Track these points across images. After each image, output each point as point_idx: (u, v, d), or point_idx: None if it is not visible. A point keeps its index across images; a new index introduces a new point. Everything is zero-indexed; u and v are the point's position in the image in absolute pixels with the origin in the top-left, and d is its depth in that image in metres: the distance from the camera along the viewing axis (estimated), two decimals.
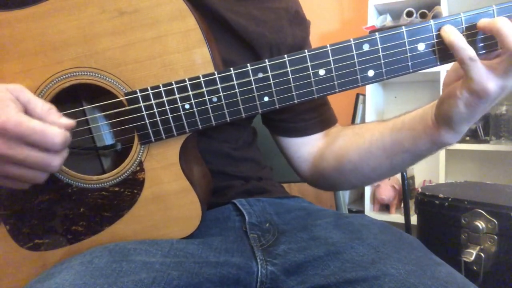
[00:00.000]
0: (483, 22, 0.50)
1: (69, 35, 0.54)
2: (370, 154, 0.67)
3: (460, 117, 0.54)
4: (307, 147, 0.77)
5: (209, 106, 0.54)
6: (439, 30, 0.51)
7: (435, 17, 1.71)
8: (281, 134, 0.78)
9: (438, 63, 0.53)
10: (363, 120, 2.02)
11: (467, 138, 1.92)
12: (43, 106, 0.50)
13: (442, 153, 1.88)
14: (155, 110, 0.54)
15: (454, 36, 0.49)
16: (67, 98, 0.58)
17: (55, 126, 0.49)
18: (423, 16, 1.85)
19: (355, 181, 0.74)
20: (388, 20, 2.01)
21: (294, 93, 0.53)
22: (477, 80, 0.49)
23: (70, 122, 0.51)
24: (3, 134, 0.46)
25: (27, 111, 0.49)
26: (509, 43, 0.47)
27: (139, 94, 0.54)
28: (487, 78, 0.49)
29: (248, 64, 0.53)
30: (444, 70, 1.83)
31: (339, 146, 0.72)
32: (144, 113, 0.55)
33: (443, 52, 0.52)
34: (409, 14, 1.87)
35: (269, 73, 0.53)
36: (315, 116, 0.76)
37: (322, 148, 0.75)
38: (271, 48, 0.72)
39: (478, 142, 1.89)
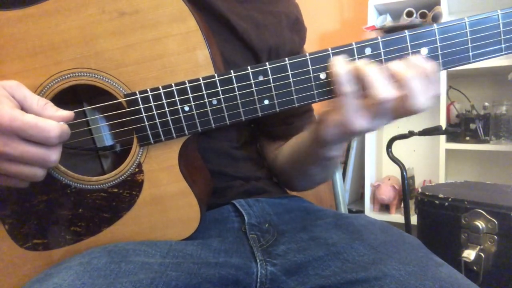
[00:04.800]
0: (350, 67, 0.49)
1: (68, 36, 0.54)
2: (290, 157, 0.73)
3: (326, 140, 0.56)
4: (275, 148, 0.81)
5: (208, 108, 0.54)
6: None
7: (435, 17, 1.71)
8: (262, 136, 0.82)
9: (442, 68, 0.52)
10: None
11: (467, 138, 1.92)
12: (39, 102, 0.50)
13: (442, 153, 1.88)
14: (155, 112, 0.54)
15: (339, 69, 0.49)
16: (68, 99, 0.58)
17: (51, 120, 0.48)
18: (423, 16, 1.84)
19: (294, 180, 0.78)
20: (388, 20, 2.01)
21: (294, 96, 0.53)
22: (346, 115, 0.50)
23: (68, 113, 0.51)
24: None
25: (23, 108, 0.49)
26: (375, 91, 0.47)
27: (138, 96, 0.54)
28: (355, 116, 0.50)
29: (249, 67, 0.52)
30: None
31: (284, 148, 0.78)
32: (144, 115, 0.54)
33: (446, 56, 0.52)
34: (409, 14, 1.86)
35: (270, 76, 0.52)
36: (296, 123, 0.78)
37: (279, 149, 0.80)
38: (270, 52, 0.73)
39: (478, 142, 1.89)
